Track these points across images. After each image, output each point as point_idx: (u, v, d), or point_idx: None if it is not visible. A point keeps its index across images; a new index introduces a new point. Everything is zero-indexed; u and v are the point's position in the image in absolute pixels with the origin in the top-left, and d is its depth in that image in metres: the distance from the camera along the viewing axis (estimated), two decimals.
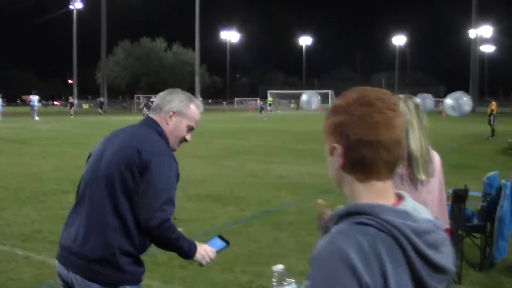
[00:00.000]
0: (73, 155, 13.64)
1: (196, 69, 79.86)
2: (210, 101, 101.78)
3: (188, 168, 10.08)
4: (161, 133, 2.45)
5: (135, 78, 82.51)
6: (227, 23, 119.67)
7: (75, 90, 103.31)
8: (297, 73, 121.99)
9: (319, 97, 64.75)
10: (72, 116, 39.57)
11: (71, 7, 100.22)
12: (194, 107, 2.55)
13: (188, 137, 2.55)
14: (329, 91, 60.96)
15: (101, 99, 45.28)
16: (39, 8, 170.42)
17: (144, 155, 2.27)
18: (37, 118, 34.89)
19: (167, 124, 2.48)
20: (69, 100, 43.61)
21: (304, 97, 66.08)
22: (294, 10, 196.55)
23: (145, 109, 43.11)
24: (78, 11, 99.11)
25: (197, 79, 79.01)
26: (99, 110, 48.14)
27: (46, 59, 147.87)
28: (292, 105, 74.49)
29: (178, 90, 2.62)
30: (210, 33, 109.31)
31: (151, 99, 44.57)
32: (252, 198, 8.36)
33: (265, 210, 7.55)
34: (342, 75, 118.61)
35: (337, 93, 44.15)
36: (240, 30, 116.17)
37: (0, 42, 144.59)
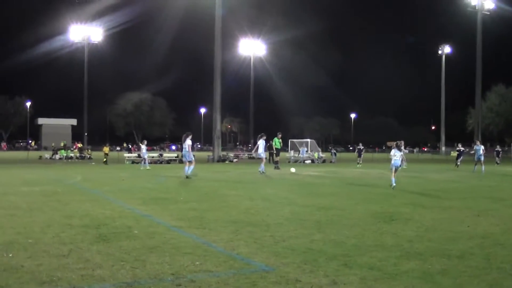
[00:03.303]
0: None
1: None
2: None
3: None
4: None
5: (510, 125, 76.31)
6: None
7: (443, 137, 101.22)
8: None
9: None
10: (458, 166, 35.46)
11: (440, 52, 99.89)
12: None
13: None
14: None
15: (498, 147, 42.28)
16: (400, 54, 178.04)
17: None
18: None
19: None
20: (457, 148, 37.96)
21: None
22: None
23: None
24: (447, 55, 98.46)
25: None
26: None
27: (408, 105, 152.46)
28: None
29: None
30: None
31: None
32: None
33: None
34: None
35: None
36: None
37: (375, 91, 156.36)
